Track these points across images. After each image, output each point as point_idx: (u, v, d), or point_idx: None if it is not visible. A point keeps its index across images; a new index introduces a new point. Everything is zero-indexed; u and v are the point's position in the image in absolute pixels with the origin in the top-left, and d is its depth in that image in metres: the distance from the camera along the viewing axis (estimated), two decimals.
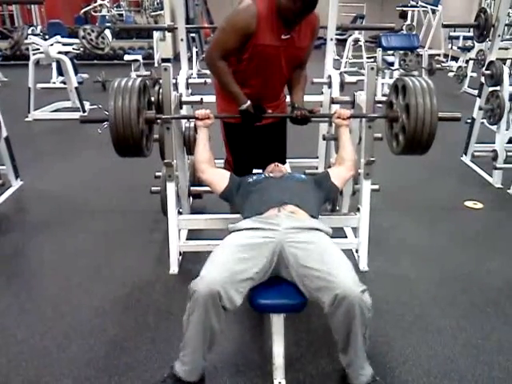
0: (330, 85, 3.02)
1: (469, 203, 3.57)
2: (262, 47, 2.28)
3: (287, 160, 2.96)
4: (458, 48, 9.07)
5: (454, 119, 2.19)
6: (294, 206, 2.01)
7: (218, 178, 2.26)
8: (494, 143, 3.99)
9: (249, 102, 2.36)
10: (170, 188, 2.59)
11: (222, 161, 2.94)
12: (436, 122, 2.03)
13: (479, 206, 3.55)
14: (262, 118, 2.41)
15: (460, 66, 8.22)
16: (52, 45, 5.97)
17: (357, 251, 2.70)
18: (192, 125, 2.74)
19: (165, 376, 1.76)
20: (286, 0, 2.14)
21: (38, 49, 6.10)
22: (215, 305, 1.62)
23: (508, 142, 3.99)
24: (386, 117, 2.28)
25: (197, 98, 2.69)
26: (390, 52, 7.53)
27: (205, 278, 1.66)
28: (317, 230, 1.92)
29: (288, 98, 2.70)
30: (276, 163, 2.40)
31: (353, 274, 1.72)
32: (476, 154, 4.22)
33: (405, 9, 10.89)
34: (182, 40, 3.12)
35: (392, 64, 7.34)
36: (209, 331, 1.67)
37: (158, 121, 2.46)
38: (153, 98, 2.57)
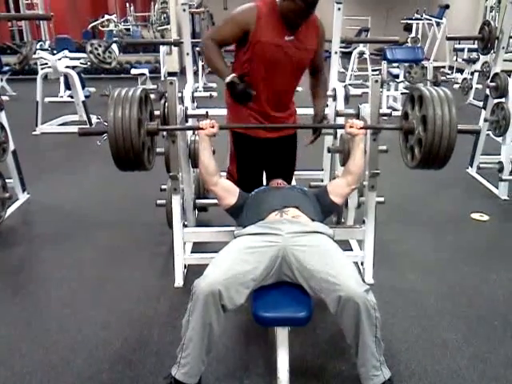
0: (334, 97, 3.03)
1: (475, 215, 3.56)
2: (262, 44, 2.28)
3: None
4: (463, 60, 9.09)
5: (474, 132, 2.11)
6: (294, 208, 2.05)
7: (229, 192, 2.25)
8: (499, 155, 3.98)
9: (233, 74, 2.29)
10: (176, 201, 2.61)
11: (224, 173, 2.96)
12: (455, 135, 1.89)
13: (485, 217, 3.53)
14: (250, 93, 2.31)
15: (465, 78, 8.23)
16: (60, 59, 6.06)
17: (362, 264, 2.69)
18: (198, 138, 2.75)
19: None
20: (288, 1, 2.18)
21: (46, 63, 6.20)
22: (215, 303, 1.67)
23: None
24: (401, 128, 2.16)
25: (202, 111, 2.71)
26: (395, 64, 7.56)
27: (207, 278, 1.71)
28: (319, 233, 1.95)
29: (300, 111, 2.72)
30: (278, 181, 2.42)
31: (356, 275, 1.76)
32: (482, 165, 4.21)
33: (409, 22, 10.95)
34: (187, 54, 3.15)
35: (397, 76, 7.37)
36: (208, 331, 1.70)
37: (164, 133, 2.49)
38: (159, 112, 2.59)
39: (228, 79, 2.28)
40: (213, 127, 2.22)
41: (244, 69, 2.38)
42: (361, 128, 2.21)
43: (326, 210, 2.23)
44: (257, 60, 2.34)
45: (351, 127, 2.22)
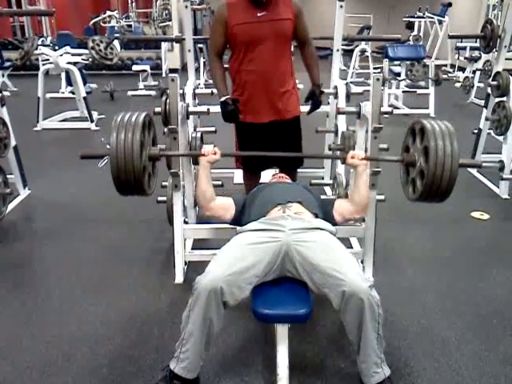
0: (336, 95, 3.04)
1: (475, 214, 3.56)
2: (237, 26, 2.50)
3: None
4: (465, 58, 9.06)
5: (475, 166, 2.12)
6: (297, 203, 2.05)
7: (226, 209, 2.22)
8: (500, 154, 3.98)
9: (228, 96, 2.59)
10: (177, 198, 2.61)
11: (231, 170, 2.96)
12: (457, 168, 1.87)
13: (486, 216, 3.53)
14: (237, 115, 2.58)
15: (467, 77, 8.21)
16: (61, 55, 6.05)
17: (362, 261, 2.69)
18: (198, 135, 2.76)
19: (159, 379, 1.79)
20: None
21: (48, 59, 6.18)
22: (217, 300, 1.68)
23: None
24: (403, 161, 2.11)
25: (203, 108, 2.72)
26: (397, 62, 7.54)
27: (209, 274, 1.72)
28: (322, 229, 1.96)
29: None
30: (281, 175, 2.43)
31: (359, 271, 1.79)
32: (482, 164, 4.19)
33: (411, 19, 10.91)
34: (189, 51, 3.15)
35: (399, 74, 7.35)
36: (208, 326, 1.71)
37: (165, 130, 2.49)
38: (160, 109, 2.60)
39: (223, 99, 2.57)
40: (215, 154, 2.15)
41: (234, 56, 2.59)
42: (362, 159, 2.15)
43: (324, 217, 2.14)
44: (239, 43, 2.53)
45: (352, 158, 2.15)
